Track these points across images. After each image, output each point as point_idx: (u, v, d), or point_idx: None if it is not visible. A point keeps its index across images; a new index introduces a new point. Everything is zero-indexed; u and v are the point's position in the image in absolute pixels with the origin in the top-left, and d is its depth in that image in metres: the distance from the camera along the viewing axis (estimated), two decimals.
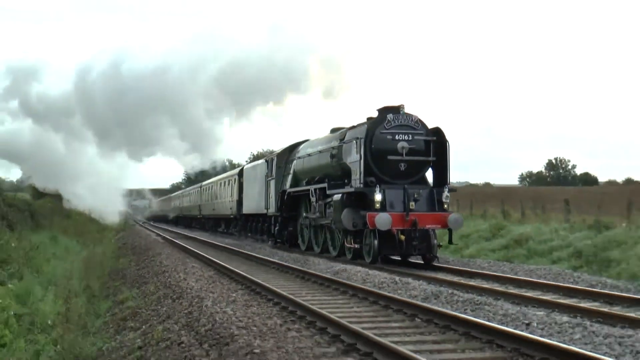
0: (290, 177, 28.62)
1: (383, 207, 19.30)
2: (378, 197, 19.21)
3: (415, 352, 8.11)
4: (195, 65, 33.88)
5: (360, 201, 20.20)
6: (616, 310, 11.71)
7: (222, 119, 35.65)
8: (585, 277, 16.77)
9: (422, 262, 20.26)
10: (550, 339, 8.93)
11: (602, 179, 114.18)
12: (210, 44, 34.46)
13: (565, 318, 10.85)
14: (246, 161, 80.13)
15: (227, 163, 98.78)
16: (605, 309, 11.75)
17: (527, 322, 10.58)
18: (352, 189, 20.49)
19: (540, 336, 9.19)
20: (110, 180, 47.55)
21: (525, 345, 8.60)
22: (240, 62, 32.05)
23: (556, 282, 15.69)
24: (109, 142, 39.49)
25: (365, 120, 21.98)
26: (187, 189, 74.76)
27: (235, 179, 42.02)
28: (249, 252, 26.38)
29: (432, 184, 21.42)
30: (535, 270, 17.98)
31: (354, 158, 20.63)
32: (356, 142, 20.47)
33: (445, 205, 20.34)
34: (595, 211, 27.16)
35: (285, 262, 21.21)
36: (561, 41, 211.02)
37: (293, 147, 30.13)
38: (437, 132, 21.04)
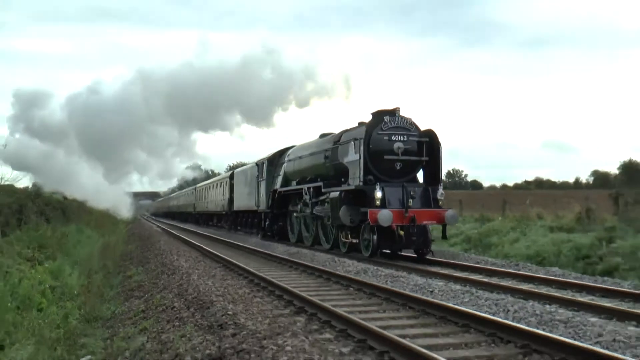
0: (280, 178, 24.67)
1: (383, 204, 15.86)
2: (378, 194, 15.84)
3: (349, 312, 8.09)
4: (146, 96, 32.40)
5: (358, 198, 16.62)
6: (494, 280, 11.79)
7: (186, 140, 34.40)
8: (473, 257, 16.94)
9: (415, 255, 16.76)
10: (447, 302, 8.98)
11: (485, 184, 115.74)
12: (150, 79, 33.01)
13: (458, 287, 10.93)
14: (225, 170, 77.27)
15: (209, 172, 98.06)
16: (486, 279, 11.82)
17: (431, 290, 10.64)
18: (353, 187, 16.84)
19: (440, 300, 9.24)
20: (114, 186, 45.97)
21: (430, 307, 8.65)
22: (182, 92, 30.37)
23: (452, 260, 15.79)
24: (94, 163, 38.25)
25: (357, 124, 18.54)
26: (183, 190, 70.28)
27: (226, 181, 37.93)
28: (227, 240, 26.15)
29: (421, 183, 17.66)
30: (437, 252, 18.05)
31: (352, 158, 17.12)
32: (354, 142, 16.98)
33: (440, 203, 16.78)
34: (481, 208, 27.62)
35: (254, 247, 21.01)
36: (457, 80, 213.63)
37: (282, 152, 25.96)
38: (430, 134, 17.34)
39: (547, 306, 8.96)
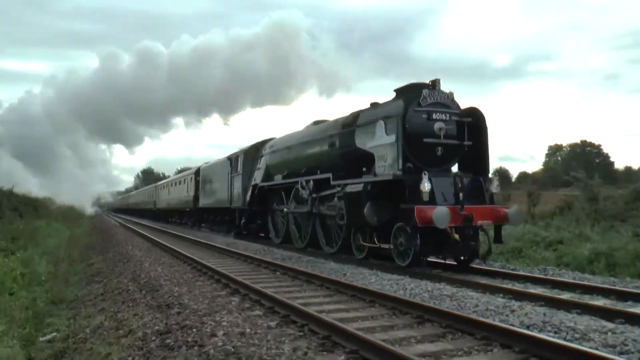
0: (260, 172, 18.83)
1: (432, 199, 10.48)
2: (427, 186, 10.34)
3: (275, 292, 8.01)
4: (68, 110, 30.66)
5: (388, 192, 11.20)
6: (395, 264, 11.86)
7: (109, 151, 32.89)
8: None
9: (455, 263, 11.36)
10: (357, 283, 9.00)
11: None
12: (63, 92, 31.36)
13: (366, 270, 10.99)
14: (174, 173, 72.77)
15: (161, 175, 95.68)
16: (389, 264, 11.90)
17: (344, 273, 10.64)
18: (389, 176, 11.00)
19: (351, 281, 9.24)
20: (75, 189, 43.54)
21: (343, 287, 8.62)
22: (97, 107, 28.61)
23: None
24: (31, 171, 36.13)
25: (369, 105, 13.08)
26: (143, 188, 62.93)
27: (191, 178, 31.23)
28: (175, 232, 25.60)
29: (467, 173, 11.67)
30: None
31: (382, 141, 11.39)
32: (385, 122, 11.34)
33: (495, 197, 11.59)
34: None
35: (198, 239, 20.61)
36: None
37: (261, 144, 20.26)
38: (473, 113, 11.74)
39: (437, 284, 9.10)
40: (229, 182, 22.55)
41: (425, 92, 11.34)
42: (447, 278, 9.70)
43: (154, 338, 6.06)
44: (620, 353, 5.11)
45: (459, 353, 5.22)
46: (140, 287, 9.65)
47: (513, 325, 6.01)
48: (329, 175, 13.48)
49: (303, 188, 15.02)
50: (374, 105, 12.94)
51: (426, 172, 10.54)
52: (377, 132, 11.66)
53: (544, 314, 6.61)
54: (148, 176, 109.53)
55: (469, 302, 7.41)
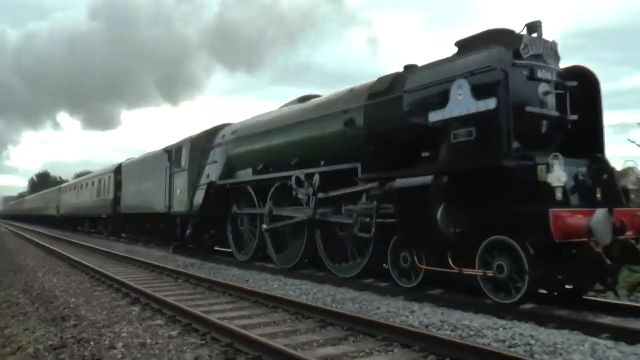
0: (218, 167, 14.33)
1: (566, 198, 6.64)
2: (562, 177, 6.46)
3: (177, 300, 7.83)
4: None
5: (468, 190, 7.13)
6: (297, 270, 11.89)
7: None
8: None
9: (555, 293, 7.67)
10: (259, 289, 8.96)
11: None
12: None
13: (269, 276, 10.99)
14: (73, 177, 66.77)
15: (58, 179, 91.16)
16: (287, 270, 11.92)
17: (247, 279, 10.60)
18: (499, 162, 6.70)
19: (253, 287, 9.20)
20: None
21: (245, 293, 8.57)
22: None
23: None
24: None
25: (403, 68, 9.12)
26: (44, 191, 55.48)
27: (110, 177, 25.36)
28: (71, 240, 24.38)
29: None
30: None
31: (469, 108, 6.99)
32: (470, 80, 7.07)
33: (633, 196, 7.54)
34: None
35: (96, 246, 19.70)
36: None
37: (213, 132, 15.64)
38: (580, 74, 7.77)
39: (340, 288, 9.20)
40: (167, 181, 17.49)
41: (527, 38, 7.42)
42: (349, 283, 9.71)
43: (46, 354, 5.74)
44: (510, 346, 5.41)
45: (361, 354, 5.31)
46: (32, 300, 9.12)
47: (412, 326, 6.21)
48: (356, 165, 9.16)
49: (300, 185, 10.71)
50: (409, 67, 9.10)
51: (558, 156, 6.68)
52: (452, 97, 7.39)
53: (442, 314, 6.87)
54: (44, 180, 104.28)
55: (371, 305, 7.55)
